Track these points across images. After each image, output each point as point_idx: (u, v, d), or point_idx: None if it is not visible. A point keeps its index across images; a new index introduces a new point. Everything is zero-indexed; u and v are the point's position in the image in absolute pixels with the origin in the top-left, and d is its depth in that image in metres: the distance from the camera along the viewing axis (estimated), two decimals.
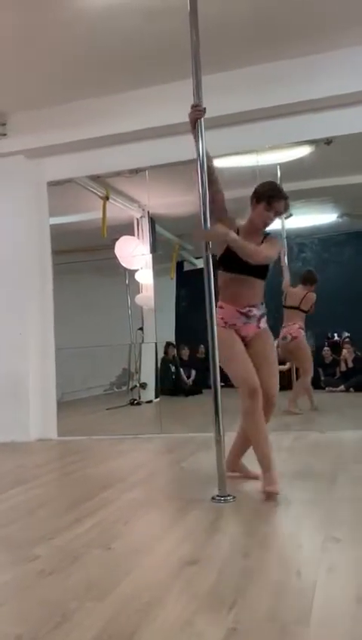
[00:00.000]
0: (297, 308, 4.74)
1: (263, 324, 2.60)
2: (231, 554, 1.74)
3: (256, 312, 2.57)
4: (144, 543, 1.92)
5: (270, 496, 2.30)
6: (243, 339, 2.56)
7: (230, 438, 2.60)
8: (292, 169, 4.43)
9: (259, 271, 2.53)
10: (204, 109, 2.48)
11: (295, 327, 4.68)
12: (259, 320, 2.59)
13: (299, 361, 4.75)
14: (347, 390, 5.43)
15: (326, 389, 5.54)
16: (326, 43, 3.62)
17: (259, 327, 2.58)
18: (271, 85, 3.83)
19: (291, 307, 4.75)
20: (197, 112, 2.47)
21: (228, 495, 2.33)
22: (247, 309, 2.55)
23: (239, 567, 1.63)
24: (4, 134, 4.41)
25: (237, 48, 3.63)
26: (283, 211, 2.56)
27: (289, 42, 3.60)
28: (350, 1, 3.26)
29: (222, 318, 2.55)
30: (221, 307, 2.57)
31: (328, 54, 3.70)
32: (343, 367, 5.58)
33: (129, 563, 1.71)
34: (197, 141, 2.50)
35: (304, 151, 4.35)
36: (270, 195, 2.50)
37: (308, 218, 5.46)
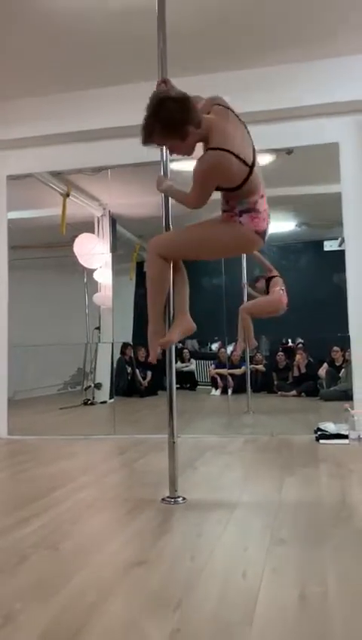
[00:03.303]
0: None
1: None
2: (179, 555, 1.76)
3: None
4: (92, 543, 1.91)
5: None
6: None
7: (183, 440, 2.62)
8: None
9: None
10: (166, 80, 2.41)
11: None
12: None
13: None
14: (299, 395, 5.54)
15: (279, 393, 5.64)
16: (288, 56, 3.71)
17: None
18: (234, 93, 3.85)
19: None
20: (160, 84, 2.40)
21: (179, 496, 2.35)
22: None
23: (186, 568, 1.65)
24: None
25: (202, 55, 3.67)
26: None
27: (252, 53, 3.67)
28: (312, 17, 3.35)
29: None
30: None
31: (290, 66, 3.80)
32: (296, 373, 5.69)
33: (76, 563, 1.70)
34: None
35: (265, 159, 4.42)
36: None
37: None
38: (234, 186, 2.26)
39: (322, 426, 3.73)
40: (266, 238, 2.43)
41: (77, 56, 3.70)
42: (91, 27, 3.36)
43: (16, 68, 3.83)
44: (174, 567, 1.65)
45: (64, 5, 3.14)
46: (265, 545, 1.81)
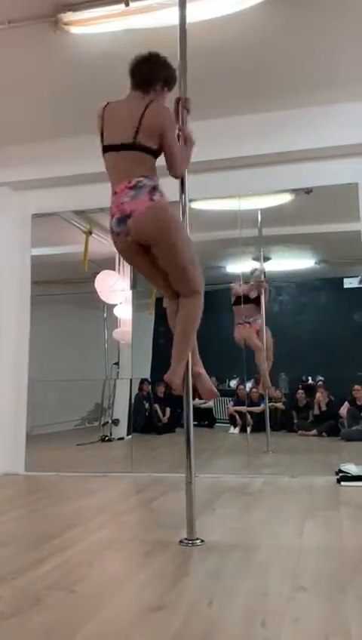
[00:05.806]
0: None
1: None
2: (197, 600, 1.71)
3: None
4: (108, 586, 1.87)
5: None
6: None
7: (201, 480, 2.57)
8: (272, 215, 4.56)
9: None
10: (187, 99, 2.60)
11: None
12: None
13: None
14: (319, 434, 5.44)
15: (299, 432, 5.55)
16: (307, 100, 3.80)
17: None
18: (255, 136, 3.97)
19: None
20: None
21: (197, 539, 2.30)
22: None
23: (203, 614, 1.61)
24: None
25: (221, 99, 3.77)
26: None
27: (271, 96, 3.77)
28: (330, 62, 3.44)
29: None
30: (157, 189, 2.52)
31: (309, 110, 3.88)
32: (316, 411, 5.61)
33: (92, 607, 1.66)
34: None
35: (284, 198, 4.48)
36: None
37: (286, 263, 5.59)
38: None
39: (343, 467, 3.64)
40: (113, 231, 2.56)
41: (100, 100, 3.83)
42: (115, 73, 3.49)
43: (43, 111, 3.98)
44: (192, 614, 1.61)
45: (89, 51, 3.27)
46: (286, 592, 1.76)
